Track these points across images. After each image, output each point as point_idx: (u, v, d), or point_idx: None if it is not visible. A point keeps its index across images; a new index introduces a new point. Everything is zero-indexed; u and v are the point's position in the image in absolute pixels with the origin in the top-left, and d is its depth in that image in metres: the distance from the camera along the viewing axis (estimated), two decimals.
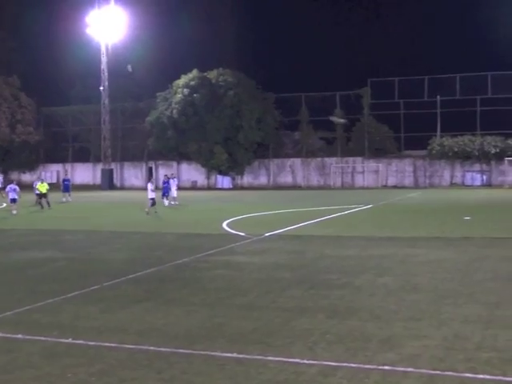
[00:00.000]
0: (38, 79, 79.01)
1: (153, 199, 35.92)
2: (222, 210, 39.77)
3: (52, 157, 79.16)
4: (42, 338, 11.01)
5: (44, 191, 43.03)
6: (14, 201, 38.22)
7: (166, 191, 41.92)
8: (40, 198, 42.79)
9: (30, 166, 77.75)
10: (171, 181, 43.62)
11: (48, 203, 42.32)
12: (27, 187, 67.42)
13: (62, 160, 79.20)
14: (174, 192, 42.44)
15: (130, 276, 16.62)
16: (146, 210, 35.60)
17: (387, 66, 79.95)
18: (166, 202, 41.56)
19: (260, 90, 71.95)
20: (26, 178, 77.11)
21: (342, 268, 17.45)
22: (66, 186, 50.16)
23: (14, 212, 37.73)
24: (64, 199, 48.59)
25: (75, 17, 73.56)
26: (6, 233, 28.54)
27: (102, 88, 72.98)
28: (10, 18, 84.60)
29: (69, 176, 53.71)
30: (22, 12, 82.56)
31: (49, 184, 73.70)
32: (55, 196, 52.43)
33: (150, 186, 36.61)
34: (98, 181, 73.31)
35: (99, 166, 74.40)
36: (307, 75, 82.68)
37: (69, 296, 14.40)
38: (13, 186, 39.23)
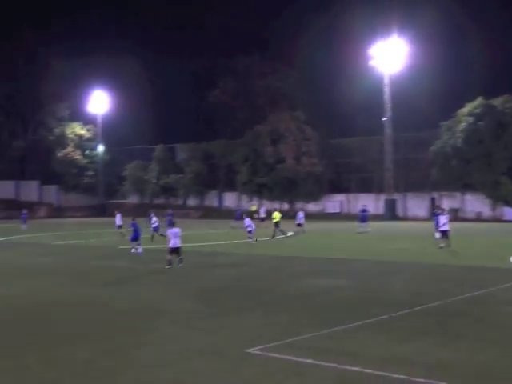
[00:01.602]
0: (322, 112, 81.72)
1: (445, 231, 35.07)
2: (509, 243, 38.00)
3: (335, 187, 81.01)
4: (331, 365, 11.27)
5: (277, 219, 44.42)
6: (250, 232, 39.62)
7: (436, 224, 40.68)
8: (276, 227, 44.20)
9: (314, 197, 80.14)
10: (441, 215, 41.82)
11: (281, 231, 43.73)
12: (312, 217, 69.83)
13: (345, 190, 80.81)
14: (444, 225, 39.75)
15: (417, 308, 16.43)
16: (441, 245, 34.64)
17: None
18: (437, 235, 40.35)
19: None
20: (310, 208, 79.69)
21: None
22: (363, 217, 50.63)
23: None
24: (361, 229, 48.98)
25: (357, 50, 75.05)
26: (294, 260, 29.66)
27: (384, 119, 73.58)
28: (294, 55, 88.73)
29: (367, 207, 53.83)
30: (305, 48, 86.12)
31: (332, 213, 76.15)
32: (345, 225, 53.42)
33: (441, 219, 35.79)
34: (381, 211, 73.63)
35: (382, 197, 74.81)
36: None
37: (356, 324, 14.60)
38: (248, 219, 40.64)
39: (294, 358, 11.69)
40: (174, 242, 26.22)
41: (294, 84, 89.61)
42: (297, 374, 10.80)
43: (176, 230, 26.69)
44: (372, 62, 72.59)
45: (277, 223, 44.12)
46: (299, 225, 47.35)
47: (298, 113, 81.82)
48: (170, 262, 26.20)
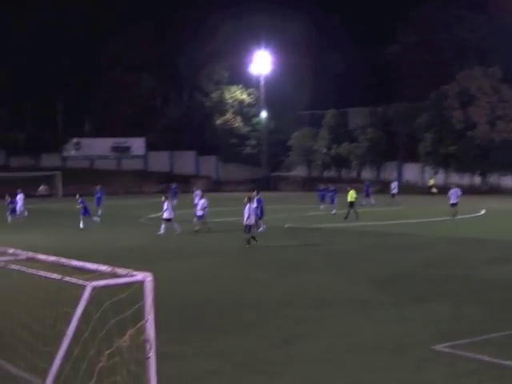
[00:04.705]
0: None
1: None
2: None
3: None
4: None
5: (351, 200, 41.84)
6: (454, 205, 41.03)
7: None
8: (351, 207, 41.73)
9: None
10: None
11: (356, 213, 41.20)
12: (510, 193, 67.73)
13: None
14: None
15: None
16: None
17: None
18: None
19: None
20: (507, 182, 77.09)
21: None
22: None
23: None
24: None
25: None
26: (484, 244, 28.85)
27: None
28: None
29: None
30: None
31: None
32: None
33: None
34: None
35: None
36: None
37: None
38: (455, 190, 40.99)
39: (490, 359, 11.35)
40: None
41: (487, 34, 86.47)
42: (492, 378, 10.48)
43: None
44: None
45: (351, 203, 41.99)
46: (394, 195, 43.61)
47: (493, 69, 78.88)
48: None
